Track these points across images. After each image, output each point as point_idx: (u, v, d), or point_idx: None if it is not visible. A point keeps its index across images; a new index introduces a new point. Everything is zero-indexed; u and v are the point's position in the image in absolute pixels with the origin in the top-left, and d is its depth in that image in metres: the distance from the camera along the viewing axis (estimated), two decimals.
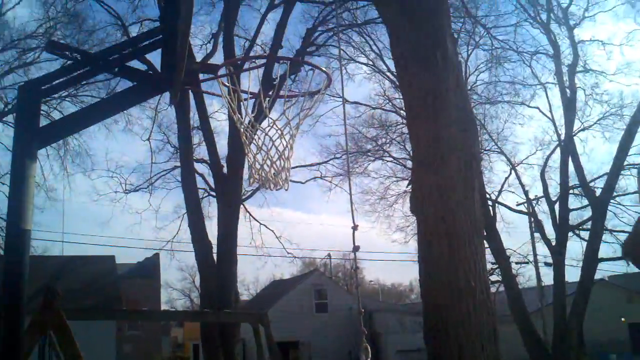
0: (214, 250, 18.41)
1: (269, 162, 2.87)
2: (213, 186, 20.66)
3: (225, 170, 19.00)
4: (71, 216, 50.19)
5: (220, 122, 30.75)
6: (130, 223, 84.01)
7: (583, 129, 27.28)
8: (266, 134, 2.89)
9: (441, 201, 6.95)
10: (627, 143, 24.01)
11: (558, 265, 25.90)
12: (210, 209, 21.60)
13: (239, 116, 3.02)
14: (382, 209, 28.53)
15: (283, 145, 2.91)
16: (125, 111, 21.75)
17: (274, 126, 2.91)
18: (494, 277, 28.37)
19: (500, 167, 53.66)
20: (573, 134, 26.03)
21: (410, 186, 7.95)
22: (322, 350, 23.82)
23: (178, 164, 20.24)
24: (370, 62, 24.89)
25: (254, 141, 2.96)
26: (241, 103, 3.05)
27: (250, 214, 22.37)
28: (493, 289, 28.91)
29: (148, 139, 21.08)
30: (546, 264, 29.02)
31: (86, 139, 23.70)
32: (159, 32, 2.75)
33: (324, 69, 3.15)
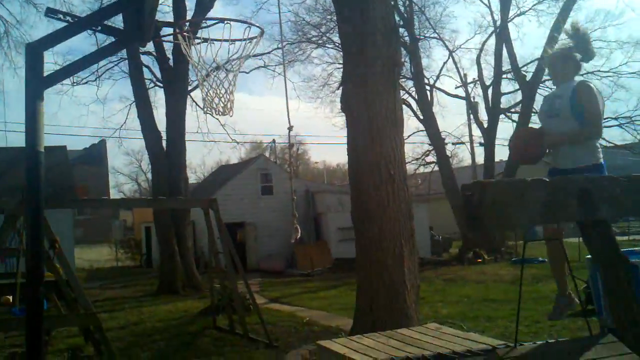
0: (164, 137, 19.27)
1: (217, 100, 3.81)
2: (159, 77, 21.13)
3: (171, 62, 19.49)
4: (17, 107, 49.58)
5: (164, 14, 30.28)
6: (77, 115, 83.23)
7: (519, 14, 28.30)
8: (217, 77, 3.81)
9: (366, 102, 8.02)
10: (559, 28, 25.19)
11: (489, 145, 27.69)
12: (157, 98, 22.15)
13: (194, 62, 3.90)
14: (325, 95, 29.44)
15: (228, 82, 3.85)
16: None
17: (223, 70, 3.82)
18: (429, 158, 30.18)
19: (438, 53, 54.81)
20: (508, 20, 27.04)
21: (341, 87, 8.99)
22: (268, 229, 25.30)
23: (124, 55, 20.49)
24: None
25: (206, 81, 3.88)
26: (195, 50, 3.92)
27: (196, 103, 22.91)
28: (429, 169, 30.80)
29: (94, 32, 21.02)
30: (480, 144, 30.65)
31: (27, 29, 23.38)
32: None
33: (256, 24, 4.04)
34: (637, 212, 2.51)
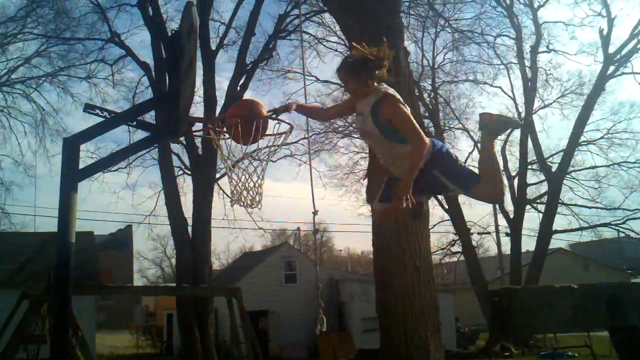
0: (190, 223, 19.44)
1: (245, 193, 3.90)
2: (188, 165, 21.51)
3: (200, 150, 19.92)
4: (48, 192, 50.55)
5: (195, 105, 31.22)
6: (106, 201, 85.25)
7: (543, 107, 28.58)
8: (245, 170, 3.91)
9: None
10: (584, 120, 25.51)
11: (515, 236, 27.42)
12: (185, 185, 22.46)
13: (224, 156, 4.01)
14: (350, 184, 29.61)
15: (257, 175, 3.94)
16: (100, 89, 22.69)
17: (251, 164, 3.93)
18: (455, 248, 29.88)
19: (464, 143, 55.44)
20: (533, 112, 27.38)
21: (366, 179, 9.07)
22: (291, 318, 24.97)
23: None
24: (342, 41, 25.62)
25: (234, 174, 3.97)
26: (225, 144, 4.04)
27: (223, 191, 23.16)
28: (454, 259, 30.45)
29: (128, 125, 21.62)
30: (507, 234, 30.37)
31: (63, 117, 24.13)
32: (166, 96, 3.76)
33: (286, 121, 4.17)
34: None
